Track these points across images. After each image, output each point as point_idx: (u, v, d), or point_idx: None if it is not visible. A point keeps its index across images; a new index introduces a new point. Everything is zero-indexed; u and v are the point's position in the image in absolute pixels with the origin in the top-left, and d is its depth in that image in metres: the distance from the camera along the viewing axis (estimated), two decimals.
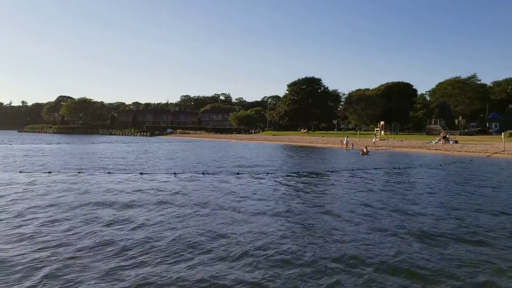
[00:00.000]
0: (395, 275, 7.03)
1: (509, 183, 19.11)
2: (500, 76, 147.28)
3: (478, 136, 69.12)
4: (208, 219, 11.01)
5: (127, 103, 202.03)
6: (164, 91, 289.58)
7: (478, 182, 19.09)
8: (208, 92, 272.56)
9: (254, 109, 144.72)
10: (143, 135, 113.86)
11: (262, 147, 53.18)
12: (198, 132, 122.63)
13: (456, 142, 51.63)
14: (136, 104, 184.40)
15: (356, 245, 8.66)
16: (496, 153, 37.41)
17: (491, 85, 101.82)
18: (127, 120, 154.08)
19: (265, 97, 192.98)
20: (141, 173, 21.49)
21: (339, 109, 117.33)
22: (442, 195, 15.30)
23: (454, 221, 10.93)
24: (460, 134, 72.84)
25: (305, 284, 6.64)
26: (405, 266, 7.44)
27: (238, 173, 21.80)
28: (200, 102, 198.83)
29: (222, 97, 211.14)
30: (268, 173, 22.32)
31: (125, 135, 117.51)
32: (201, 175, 21.11)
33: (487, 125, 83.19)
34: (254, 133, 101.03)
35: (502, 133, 47.51)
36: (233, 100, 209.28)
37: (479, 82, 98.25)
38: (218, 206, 12.76)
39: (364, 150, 39.24)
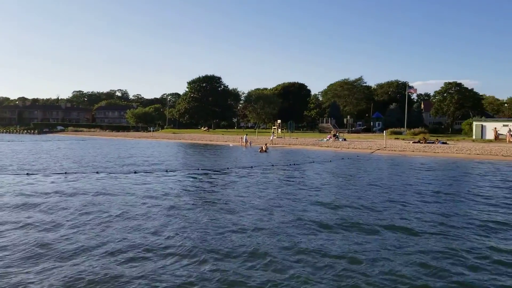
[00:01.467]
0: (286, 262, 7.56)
1: (387, 175, 21.29)
2: (383, 79, 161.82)
3: (363, 134, 75.33)
4: (94, 220, 10.71)
5: (11, 98, 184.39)
6: (54, 86, 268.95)
7: (362, 175, 20.98)
8: (103, 88, 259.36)
9: (153, 106, 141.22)
10: (30, 133, 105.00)
11: (162, 145, 52.27)
12: (93, 130, 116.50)
13: (345, 139, 55.71)
14: (22, 99, 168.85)
15: (248, 235, 9.11)
16: (378, 149, 41.19)
17: (375, 87, 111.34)
18: (11, 116, 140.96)
19: (164, 94, 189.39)
20: (27, 174, 19.99)
21: (239, 107, 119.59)
22: (331, 188, 16.58)
23: (341, 211, 11.98)
24: (348, 132, 78.75)
25: (201, 277, 6.86)
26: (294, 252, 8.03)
27: (135, 172, 21.31)
28: (94, 98, 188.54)
29: (118, 93, 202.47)
30: (167, 170, 22.15)
31: (9, 132, 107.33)
32: (96, 174, 20.26)
33: (372, 124, 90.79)
34: (153, 131, 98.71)
35: (384, 131, 52.49)
36: (131, 96, 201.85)
37: (365, 84, 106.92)
38: (109, 206, 12.44)
39: (264, 147, 40.66)
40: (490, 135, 54.56)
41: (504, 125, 54.39)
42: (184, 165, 26.15)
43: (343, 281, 6.74)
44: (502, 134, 52.55)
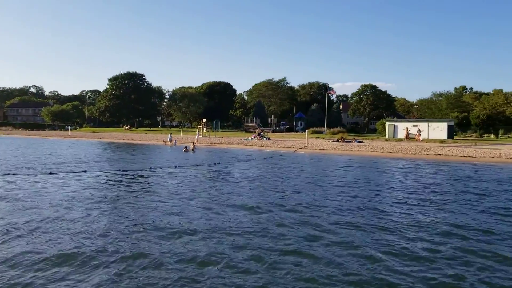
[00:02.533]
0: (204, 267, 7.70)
1: (308, 172, 22.21)
2: (305, 80, 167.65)
3: (287, 134, 77.50)
4: None
5: None
6: None
7: (285, 173, 21.68)
8: (15, 84, 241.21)
9: (71, 103, 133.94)
10: None
11: (80, 145, 49.84)
12: (4, 128, 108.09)
13: (269, 138, 56.96)
14: None
15: (160, 236, 9.14)
16: (301, 148, 42.68)
17: (298, 88, 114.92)
18: None
19: (83, 91, 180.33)
20: None
21: (163, 106, 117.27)
22: (254, 186, 16.98)
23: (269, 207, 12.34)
24: (272, 132, 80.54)
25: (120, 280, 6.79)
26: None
27: (51, 173, 20.21)
28: (6, 94, 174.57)
29: (33, 90, 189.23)
30: (85, 171, 21.27)
31: None
32: (6, 176, 18.92)
33: (294, 123, 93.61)
34: (71, 129, 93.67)
35: (306, 131, 54.47)
36: (46, 93, 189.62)
37: (288, 85, 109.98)
38: (20, 208, 11.77)
39: (191, 146, 40.53)
40: (401, 134, 58.67)
41: (413, 125, 58.82)
42: (102, 165, 25.22)
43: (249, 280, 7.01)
44: (412, 134, 56.77)
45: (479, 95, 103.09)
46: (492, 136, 72.30)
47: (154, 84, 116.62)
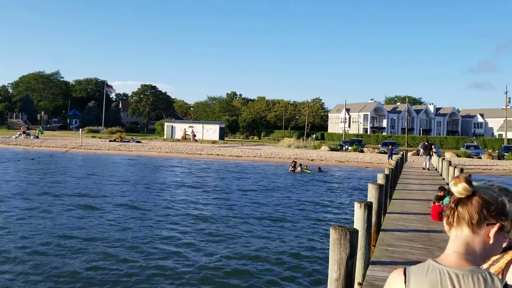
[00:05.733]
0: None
1: (80, 173, 21.40)
2: (82, 76, 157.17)
3: (59, 132, 71.58)
4: None
5: None
6: None
7: (48, 176, 20.35)
8: None
9: None
10: None
11: None
12: None
13: (37, 137, 51.73)
14: None
15: None
16: (74, 148, 40.26)
17: (73, 83, 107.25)
18: None
19: None
20: None
21: None
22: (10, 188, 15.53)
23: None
24: (42, 129, 73.05)
25: None
26: None
27: None
28: None
29: None
30: None
31: None
32: None
33: (68, 121, 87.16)
34: None
35: (80, 130, 51.57)
36: None
37: (62, 79, 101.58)
38: None
39: None
40: (179, 135, 61.35)
41: (190, 126, 62.27)
42: None
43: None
44: (188, 134, 59.98)
45: (246, 101, 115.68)
46: (256, 138, 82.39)
47: None
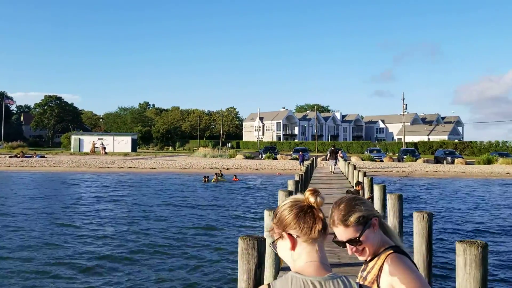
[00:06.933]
0: None
1: None
2: None
3: None
4: None
5: None
6: None
7: None
8: None
9: None
10: None
11: None
12: None
13: None
14: None
15: None
16: None
17: None
18: None
19: None
20: None
21: None
22: None
23: None
24: None
25: None
26: None
27: None
28: None
29: None
30: None
31: None
32: None
33: None
34: None
35: None
36: None
37: None
38: None
39: None
40: (87, 148, 58.26)
41: (99, 139, 59.46)
42: None
43: None
44: (97, 147, 57.19)
45: (160, 111, 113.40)
46: (170, 148, 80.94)
47: None
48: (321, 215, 1.44)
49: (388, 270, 1.59)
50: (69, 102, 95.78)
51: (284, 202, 1.47)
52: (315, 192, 1.43)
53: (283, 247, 1.44)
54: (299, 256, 1.40)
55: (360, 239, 1.65)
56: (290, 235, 1.41)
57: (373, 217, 1.67)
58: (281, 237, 1.43)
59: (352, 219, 1.65)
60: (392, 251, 1.65)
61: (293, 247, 1.41)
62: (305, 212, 1.41)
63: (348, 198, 1.73)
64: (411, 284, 1.52)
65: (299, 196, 1.47)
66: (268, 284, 1.35)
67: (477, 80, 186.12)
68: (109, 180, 27.87)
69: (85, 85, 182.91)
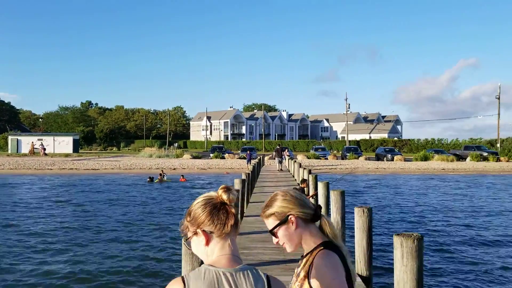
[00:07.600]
0: None
1: None
2: None
3: None
4: None
5: None
6: None
7: None
8: None
9: None
10: None
11: None
12: None
13: None
14: None
15: None
16: None
17: None
18: None
19: None
20: None
21: None
22: None
23: None
24: None
25: None
26: None
27: None
28: None
29: None
30: None
31: None
32: None
33: None
34: None
35: None
36: None
37: None
38: None
39: None
40: (26, 149, 55.27)
41: (39, 139, 56.57)
42: None
43: None
44: (37, 148, 54.37)
45: (103, 110, 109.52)
46: (115, 149, 78.43)
47: None
48: (233, 210, 1.52)
49: (314, 265, 1.65)
50: (6, 101, 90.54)
51: (197, 200, 1.55)
52: (228, 190, 1.53)
53: (197, 243, 1.52)
54: (213, 250, 1.49)
55: (274, 232, 1.73)
56: (204, 231, 1.49)
57: (290, 215, 1.72)
58: (196, 233, 1.51)
59: (268, 213, 1.76)
60: (322, 247, 1.69)
61: (207, 243, 1.49)
62: (218, 209, 1.50)
63: (276, 193, 1.80)
64: (323, 279, 1.59)
65: (212, 193, 1.55)
66: (182, 276, 1.41)
67: (414, 81, 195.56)
68: (49, 183, 26.62)
69: (23, 83, 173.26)
